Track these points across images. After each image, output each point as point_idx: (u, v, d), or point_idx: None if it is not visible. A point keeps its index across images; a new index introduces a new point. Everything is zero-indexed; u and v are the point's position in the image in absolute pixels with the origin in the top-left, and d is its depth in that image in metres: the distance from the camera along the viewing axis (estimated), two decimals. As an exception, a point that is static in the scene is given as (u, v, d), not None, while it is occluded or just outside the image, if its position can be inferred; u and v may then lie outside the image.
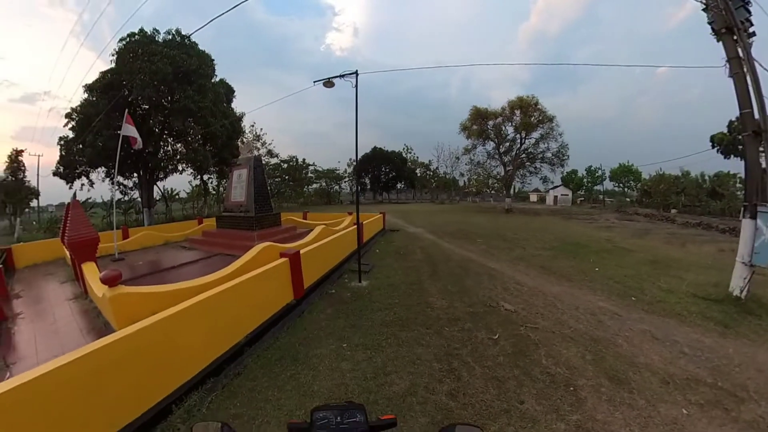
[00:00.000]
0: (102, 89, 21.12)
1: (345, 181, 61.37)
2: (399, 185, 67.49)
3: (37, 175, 34.14)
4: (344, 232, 10.63)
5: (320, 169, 56.13)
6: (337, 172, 59.25)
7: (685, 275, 8.58)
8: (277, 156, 45.70)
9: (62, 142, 21.76)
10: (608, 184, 68.62)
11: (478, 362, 4.39)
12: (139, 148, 12.90)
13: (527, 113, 33.28)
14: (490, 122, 35.48)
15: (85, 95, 21.60)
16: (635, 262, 10.36)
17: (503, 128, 35.81)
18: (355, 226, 10.47)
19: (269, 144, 44.20)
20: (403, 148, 65.28)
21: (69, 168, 22.07)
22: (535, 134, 34.45)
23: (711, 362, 4.33)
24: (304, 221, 18.12)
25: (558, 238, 15.04)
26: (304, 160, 50.97)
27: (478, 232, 17.07)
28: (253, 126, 42.17)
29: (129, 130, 11.11)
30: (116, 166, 12.38)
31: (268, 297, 5.75)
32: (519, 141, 35.60)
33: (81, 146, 21.00)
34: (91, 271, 6.70)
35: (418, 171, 67.40)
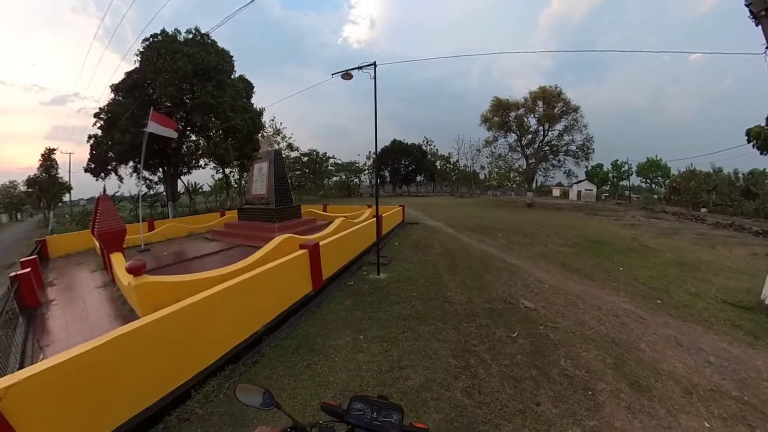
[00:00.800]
0: (128, 89, 21.85)
1: (364, 174, 61.47)
2: (418, 178, 66.84)
3: (69, 171, 35.81)
4: (363, 224, 10.65)
5: (340, 162, 56.47)
6: (357, 164, 59.44)
7: (714, 279, 8.21)
8: (297, 149, 46.24)
9: (92, 141, 22.68)
10: (635, 180, 65.75)
11: (495, 360, 4.33)
12: (174, 137, 13.70)
13: (550, 104, 32.08)
14: (512, 113, 34.39)
15: (112, 95, 22.36)
16: (661, 262, 9.99)
17: (525, 120, 34.69)
18: (375, 219, 10.47)
19: (289, 138, 44.76)
20: (423, 141, 64.73)
21: (98, 164, 23.02)
22: (559, 126, 33.15)
23: (738, 374, 4.12)
24: (324, 213, 18.30)
25: (581, 235, 14.65)
26: (324, 153, 51.43)
27: (499, 226, 16.80)
28: (273, 120, 42.75)
29: (159, 128, 11.45)
30: (141, 161, 12.82)
31: (287, 288, 5.84)
32: (542, 133, 34.34)
33: (109, 143, 21.82)
34: (118, 261, 6.96)
35: (438, 164, 66.61)
